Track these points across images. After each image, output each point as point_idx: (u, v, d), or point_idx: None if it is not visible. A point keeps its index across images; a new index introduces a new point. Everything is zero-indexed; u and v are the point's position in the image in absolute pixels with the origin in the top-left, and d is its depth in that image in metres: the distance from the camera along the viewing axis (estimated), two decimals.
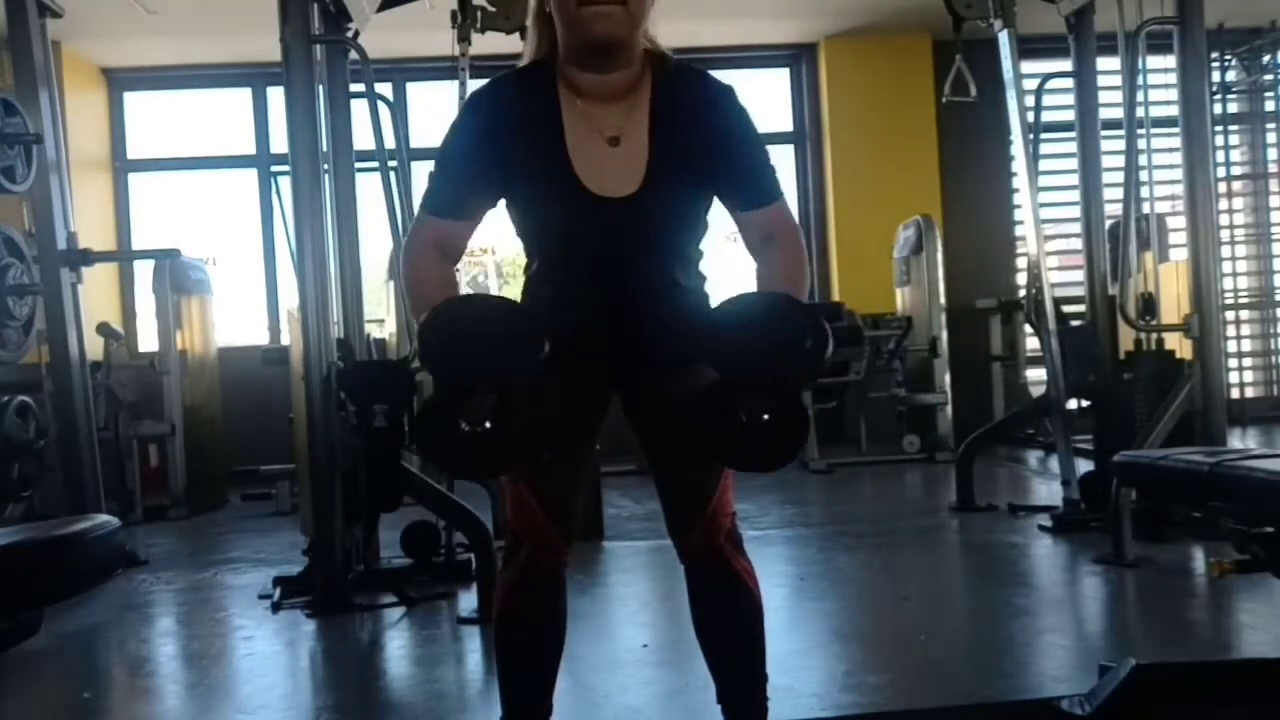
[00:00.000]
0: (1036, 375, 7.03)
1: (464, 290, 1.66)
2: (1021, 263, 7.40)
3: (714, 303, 1.95)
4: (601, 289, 1.87)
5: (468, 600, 3.76)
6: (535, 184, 1.86)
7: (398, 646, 3.42)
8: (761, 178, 1.91)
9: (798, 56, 8.59)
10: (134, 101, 8.32)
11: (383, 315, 6.02)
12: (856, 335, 7.37)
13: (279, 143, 7.00)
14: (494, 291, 14.71)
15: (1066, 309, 5.02)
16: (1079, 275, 5.05)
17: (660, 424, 1.91)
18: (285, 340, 5.65)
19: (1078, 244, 5.04)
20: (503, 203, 1.92)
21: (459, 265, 1.96)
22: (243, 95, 8.29)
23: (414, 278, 1.89)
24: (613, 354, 1.91)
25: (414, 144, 5.59)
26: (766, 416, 1.69)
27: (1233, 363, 8.41)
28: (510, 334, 1.70)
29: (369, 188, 4.34)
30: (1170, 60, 4.35)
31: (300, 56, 3.79)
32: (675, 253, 1.91)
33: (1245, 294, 8.64)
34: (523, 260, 1.97)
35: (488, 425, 1.67)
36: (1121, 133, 4.55)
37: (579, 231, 1.85)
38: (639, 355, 1.90)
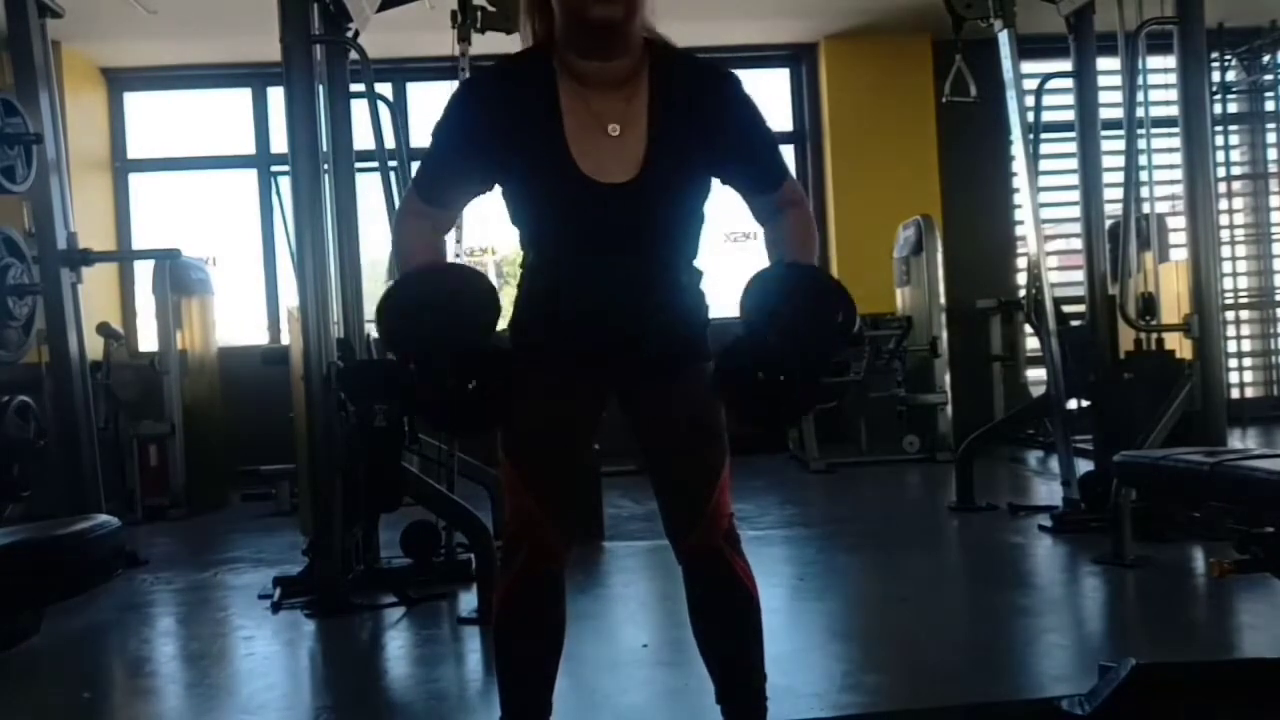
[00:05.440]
0: (1036, 375, 7.02)
1: (450, 258, 1.72)
2: (1021, 263, 7.39)
3: (709, 301, 1.96)
4: (598, 279, 1.85)
5: (468, 600, 3.76)
6: (533, 171, 1.85)
7: (398, 646, 3.42)
8: (771, 161, 1.95)
9: (798, 56, 8.58)
10: (134, 101, 8.31)
11: None
12: (856, 335, 7.37)
13: (279, 143, 7.00)
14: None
15: (1066, 309, 5.02)
16: (1079, 275, 5.04)
17: (659, 422, 1.91)
18: (285, 340, 5.65)
19: (1078, 244, 5.04)
20: (499, 191, 1.91)
21: (447, 235, 2.04)
22: (243, 95, 8.28)
23: (399, 243, 1.97)
24: (611, 344, 1.89)
25: (414, 144, 5.57)
26: (782, 378, 1.76)
27: (1233, 363, 8.40)
28: (454, 309, 1.74)
29: (369, 188, 4.34)
30: (1170, 60, 4.34)
31: (300, 56, 3.79)
32: (672, 242, 1.90)
33: (1245, 294, 8.63)
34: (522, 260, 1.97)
35: (469, 386, 1.73)
36: (1121, 133, 4.55)
37: (576, 218, 1.84)
38: (636, 355, 1.89)
